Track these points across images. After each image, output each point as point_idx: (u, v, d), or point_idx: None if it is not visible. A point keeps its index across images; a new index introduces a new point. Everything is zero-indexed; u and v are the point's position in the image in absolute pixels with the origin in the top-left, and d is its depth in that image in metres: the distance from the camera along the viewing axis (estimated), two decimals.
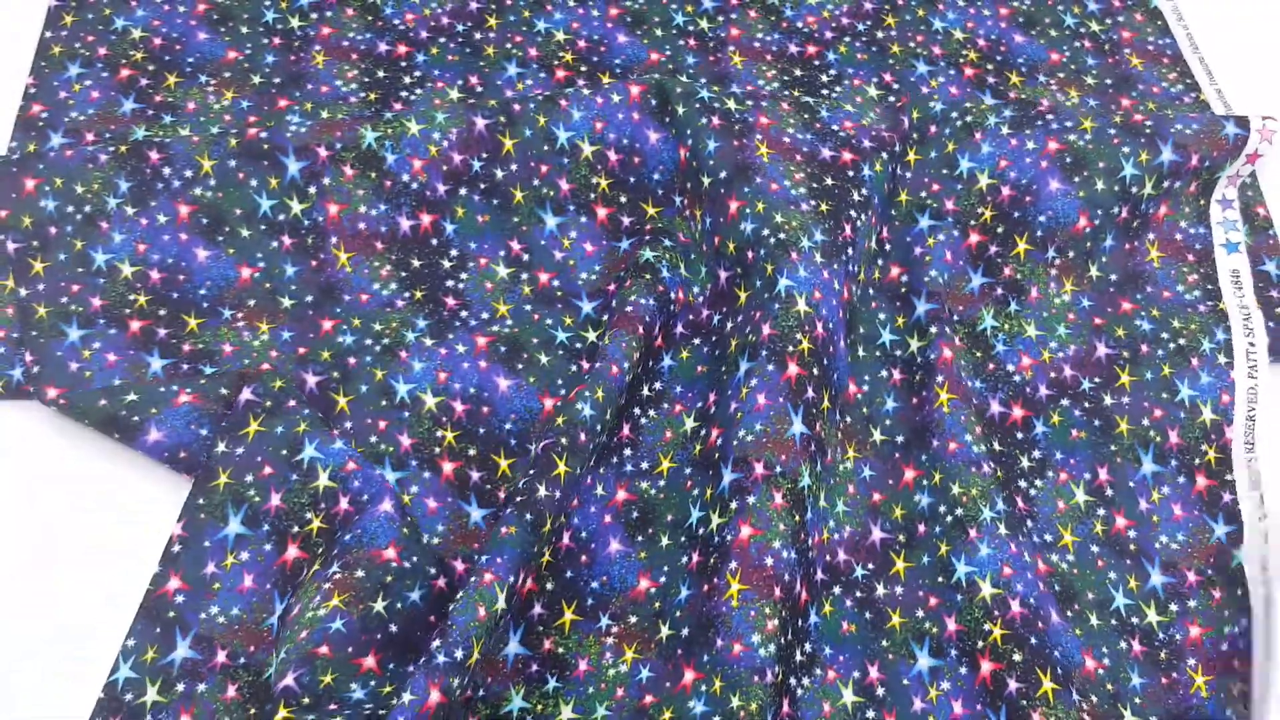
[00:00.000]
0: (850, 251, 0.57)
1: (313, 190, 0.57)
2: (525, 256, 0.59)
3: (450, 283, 0.58)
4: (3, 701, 0.46)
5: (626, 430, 0.55)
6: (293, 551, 0.48)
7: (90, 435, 0.51)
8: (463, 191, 0.58)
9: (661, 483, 0.53)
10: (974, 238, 0.59)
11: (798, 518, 0.49)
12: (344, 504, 0.49)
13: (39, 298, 0.53)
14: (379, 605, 0.46)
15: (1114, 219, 0.60)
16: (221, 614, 0.47)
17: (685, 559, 0.51)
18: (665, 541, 0.52)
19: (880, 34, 0.71)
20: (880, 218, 0.60)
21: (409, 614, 0.46)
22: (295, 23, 0.67)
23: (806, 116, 0.61)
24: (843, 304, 0.56)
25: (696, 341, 0.58)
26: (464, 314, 0.57)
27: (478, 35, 0.68)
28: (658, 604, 0.50)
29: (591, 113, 0.59)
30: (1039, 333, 0.58)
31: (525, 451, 0.53)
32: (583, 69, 0.67)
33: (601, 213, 0.60)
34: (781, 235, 0.55)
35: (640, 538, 0.52)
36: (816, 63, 0.69)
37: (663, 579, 0.51)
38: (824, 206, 0.57)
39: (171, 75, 0.63)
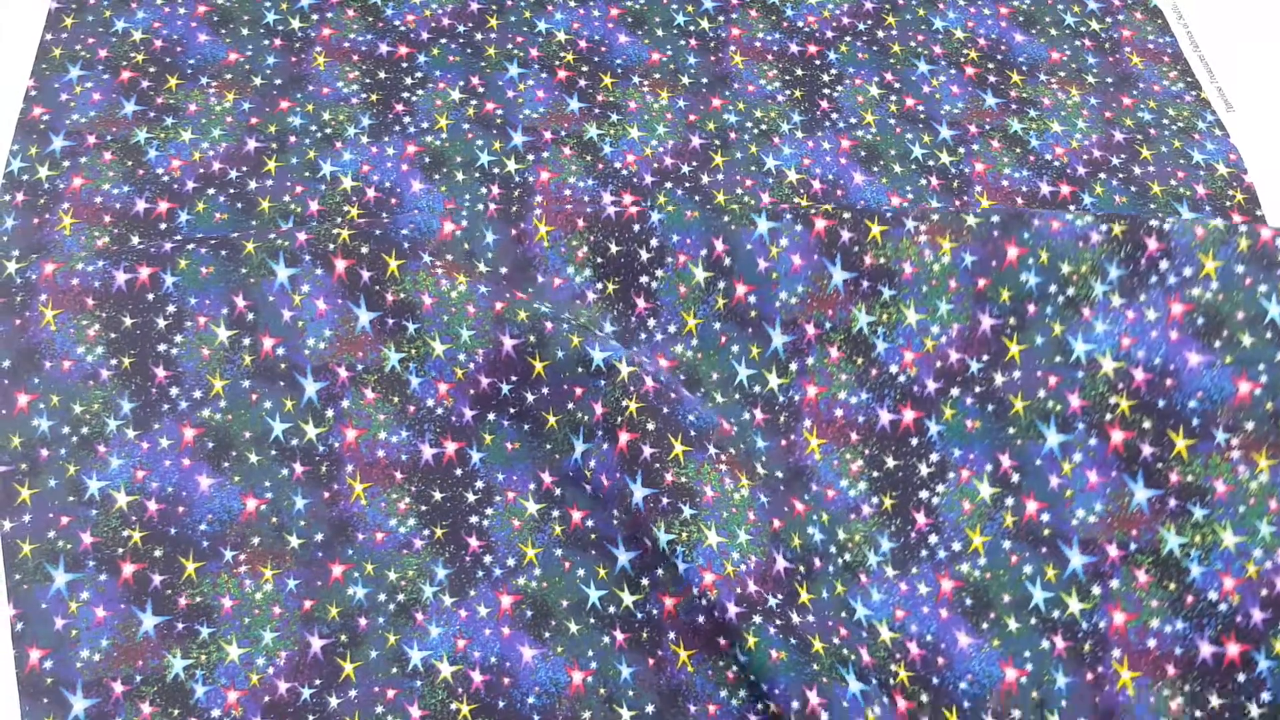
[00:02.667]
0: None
1: (330, 414, 0.53)
2: (557, 491, 0.54)
3: (474, 519, 0.53)
4: None
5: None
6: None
7: None
8: (491, 416, 0.54)
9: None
10: (1117, 436, 0.52)
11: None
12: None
13: (24, 531, 0.49)
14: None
15: None
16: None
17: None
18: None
19: (881, 33, 0.71)
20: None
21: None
22: (296, 24, 0.67)
23: (847, 390, 0.55)
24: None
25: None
26: (487, 559, 0.52)
27: (479, 36, 0.68)
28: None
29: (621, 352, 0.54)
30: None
31: None
32: (584, 69, 0.67)
33: (623, 439, 0.52)
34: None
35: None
36: (817, 62, 0.69)
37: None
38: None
39: (173, 77, 0.63)
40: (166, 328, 0.53)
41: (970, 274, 0.53)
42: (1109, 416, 0.50)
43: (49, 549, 0.49)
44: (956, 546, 0.51)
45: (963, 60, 0.70)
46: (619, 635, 0.50)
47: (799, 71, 0.69)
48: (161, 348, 0.53)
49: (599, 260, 0.55)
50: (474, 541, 0.52)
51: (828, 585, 0.50)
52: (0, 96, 0.61)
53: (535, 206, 0.57)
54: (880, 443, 0.52)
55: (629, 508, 0.50)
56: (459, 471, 0.54)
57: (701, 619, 0.49)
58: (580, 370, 0.52)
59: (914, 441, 0.52)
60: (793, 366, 0.52)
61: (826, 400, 0.52)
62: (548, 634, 0.51)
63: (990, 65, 0.70)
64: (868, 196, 0.62)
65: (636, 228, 0.55)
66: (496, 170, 0.61)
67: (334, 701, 0.49)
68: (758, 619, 0.46)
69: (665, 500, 0.49)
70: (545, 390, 0.53)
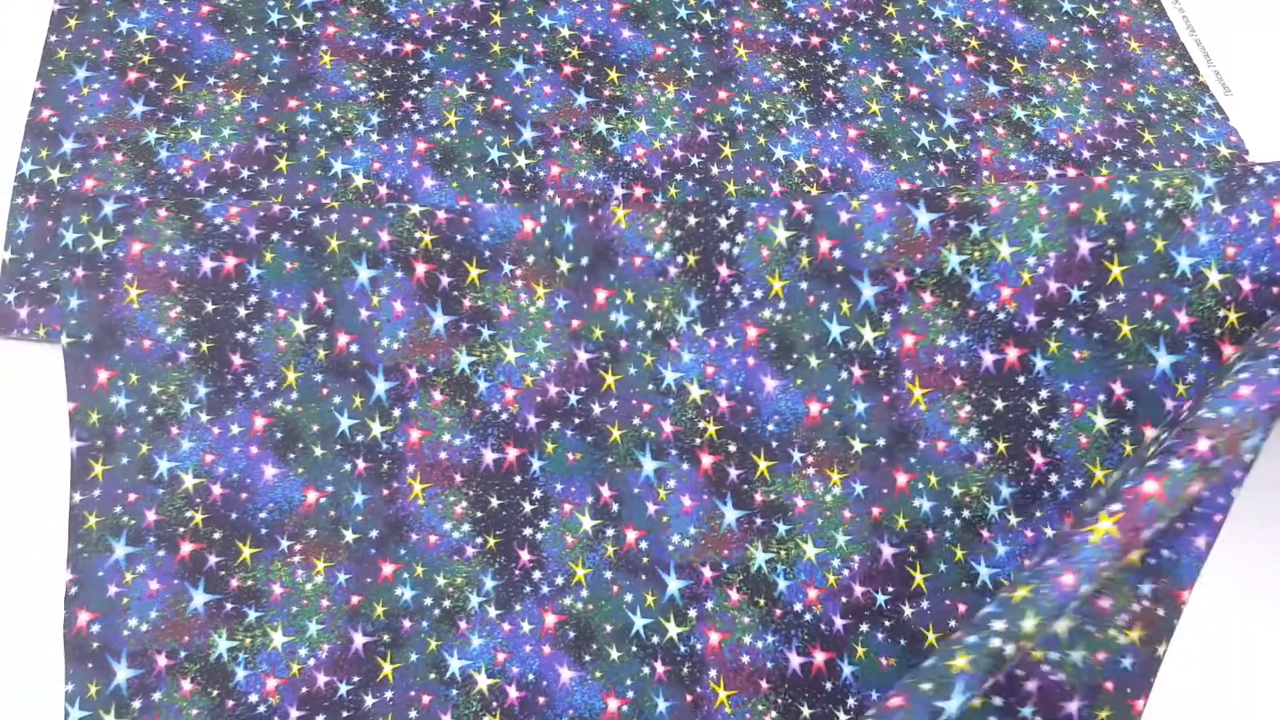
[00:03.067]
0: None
1: (397, 413, 0.53)
2: (615, 507, 0.53)
3: (528, 531, 0.52)
4: None
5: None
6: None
7: None
8: (555, 425, 0.54)
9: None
10: (1229, 350, 0.49)
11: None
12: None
13: (92, 504, 0.50)
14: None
15: None
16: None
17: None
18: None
19: (882, 23, 0.72)
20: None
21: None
22: (300, 23, 0.67)
23: (945, 335, 0.53)
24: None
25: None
26: (536, 575, 0.52)
27: (483, 33, 0.68)
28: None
29: (703, 356, 0.54)
30: None
31: None
32: (589, 64, 0.67)
33: (706, 461, 0.53)
34: None
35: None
36: (820, 53, 0.70)
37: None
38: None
39: (179, 77, 0.63)
40: (247, 317, 0.53)
41: (1060, 199, 0.50)
42: (1218, 331, 0.47)
43: (113, 523, 0.50)
44: (1079, 483, 0.49)
45: (964, 49, 0.71)
46: (659, 666, 0.50)
47: (803, 63, 0.69)
48: (240, 336, 0.53)
49: (678, 233, 0.53)
50: (525, 555, 0.52)
51: (945, 555, 0.48)
52: (7, 99, 0.61)
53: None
54: (986, 385, 0.50)
55: (719, 529, 0.50)
56: (518, 478, 0.53)
57: (746, 658, 0.49)
58: (650, 388, 0.52)
59: (1021, 379, 0.50)
60: (886, 317, 0.50)
61: (925, 348, 0.49)
62: (588, 657, 0.50)
63: (991, 53, 0.71)
64: (877, 184, 0.63)
65: (715, 201, 0.53)
66: (507, 165, 0.62)
67: (369, 700, 0.49)
68: (865, 626, 0.46)
69: (759, 520, 0.49)
70: (613, 404, 0.53)
